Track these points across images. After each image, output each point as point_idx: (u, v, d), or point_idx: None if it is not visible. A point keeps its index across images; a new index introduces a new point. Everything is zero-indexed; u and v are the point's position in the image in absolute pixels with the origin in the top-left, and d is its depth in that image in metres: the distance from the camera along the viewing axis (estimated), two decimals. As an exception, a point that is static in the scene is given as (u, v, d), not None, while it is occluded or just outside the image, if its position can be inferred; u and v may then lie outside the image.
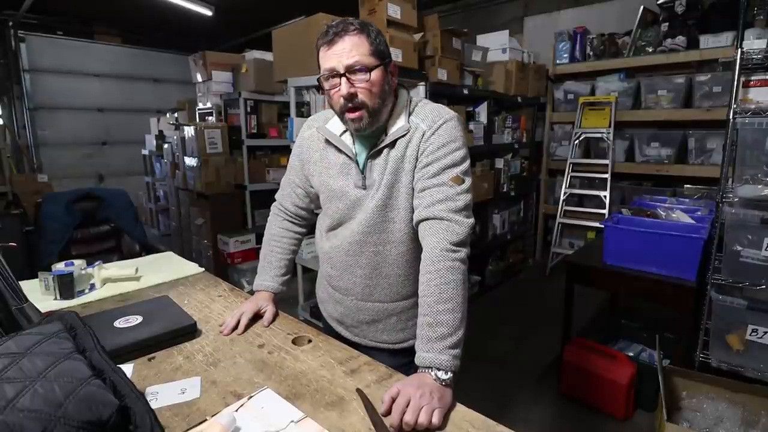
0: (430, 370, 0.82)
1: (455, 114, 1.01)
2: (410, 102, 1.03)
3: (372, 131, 0.99)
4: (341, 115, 0.97)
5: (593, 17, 4.06)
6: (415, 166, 0.98)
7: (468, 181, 0.97)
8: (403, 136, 0.98)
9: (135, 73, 6.52)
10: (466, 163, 0.98)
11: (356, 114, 0.94)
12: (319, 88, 0.99)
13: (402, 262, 1.05)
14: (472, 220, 0.96)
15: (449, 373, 0.81)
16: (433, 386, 0.78)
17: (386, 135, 1.00)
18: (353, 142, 1.04)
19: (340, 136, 1.04)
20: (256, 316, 1.11)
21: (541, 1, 4.50)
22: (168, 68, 6.76)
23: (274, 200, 1.27)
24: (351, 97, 0.92)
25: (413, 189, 0.99)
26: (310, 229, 1.30)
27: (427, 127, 0.98)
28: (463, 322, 0.88)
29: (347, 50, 0.90)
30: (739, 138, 1.81)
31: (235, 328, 1.05)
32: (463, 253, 0.93)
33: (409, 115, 1.01)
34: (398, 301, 1.09)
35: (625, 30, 3.71)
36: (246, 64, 3.86)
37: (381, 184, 1.00)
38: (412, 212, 0.99)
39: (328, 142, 1.06)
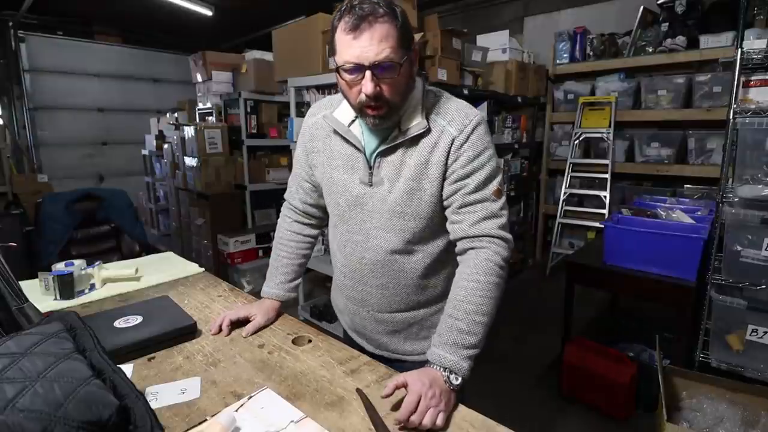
0: (444, 370, 0.81)
1: (481, 114, 0.93)
2: (426, 94, 0.93)
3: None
4: (359, 110, 0.87)
5: (593, 17, 4.06)
6: (444, 175, 0.91)
7: (504, 190, 0.93)
8: (422, 135, 0.90)
9: (135, 73, 6.51)
10: (501, 172, 0.94)
11: (377, 111, 0.85)
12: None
13: (420, 269, 0.99)
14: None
15: (460, 379, 0.81)
16: (443, 388, 0.78)
17: (399, 131, 0.90)
18: (362, 132, 0.95)
19: (349, 126, 0.95)
20: (246, 321, 1.06)
21: (541, 1, 4.50)
22: (168, 68, 6.75)
23: (283, 200, 1.19)
24: (376, 96, 0.82)
25: (439, 196, 0.92)
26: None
27: (457, 132, 0.89)
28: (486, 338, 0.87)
29: (376, 42, 0.78)
30: (739, 138, 1.81)
31: (220, 331, 1.03)
32: (506, 271, 0.91)
33: (428, 112, 0.91)
34: (417, 310, 1.04)
35: (625, 30, 3.71)
36: (246, 64, 3.86)
37: (395, 187, 0.92)
38: (433, 220, 0.95)
39: (334, 131, 0.97)
